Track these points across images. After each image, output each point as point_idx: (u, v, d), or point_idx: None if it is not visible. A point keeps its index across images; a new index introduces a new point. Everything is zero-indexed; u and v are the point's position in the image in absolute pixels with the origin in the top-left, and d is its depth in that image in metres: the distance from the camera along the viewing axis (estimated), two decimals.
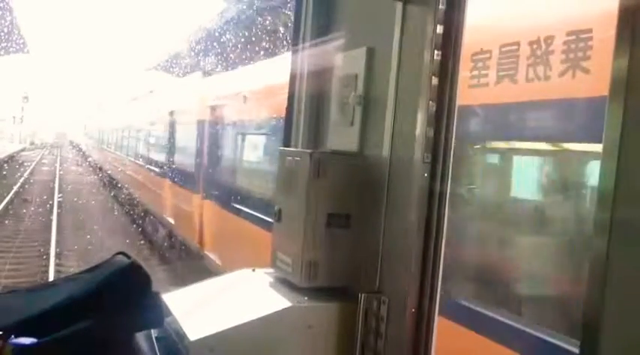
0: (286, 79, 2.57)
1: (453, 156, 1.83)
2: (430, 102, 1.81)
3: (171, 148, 15.20)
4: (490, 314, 3.86)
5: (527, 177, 4.20)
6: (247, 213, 9.03)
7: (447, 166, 1.82)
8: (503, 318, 3.77)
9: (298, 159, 2.10)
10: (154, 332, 1.86)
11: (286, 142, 2.55)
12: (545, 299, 3.85)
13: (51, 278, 11.63)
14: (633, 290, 1.11)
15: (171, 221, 14.03)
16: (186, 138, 13.57)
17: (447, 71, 1.81)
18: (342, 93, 2.20)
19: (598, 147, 1.19)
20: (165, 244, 14.60)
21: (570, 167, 3.90)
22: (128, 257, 1.72)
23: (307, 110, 2.46)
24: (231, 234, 9.99)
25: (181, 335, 1.89)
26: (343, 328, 1.96)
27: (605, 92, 1.13)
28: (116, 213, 21.37)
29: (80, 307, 1.58)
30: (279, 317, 1.92)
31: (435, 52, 1.80)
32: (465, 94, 3.13)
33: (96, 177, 33.51)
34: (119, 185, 24.72)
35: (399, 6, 1.92)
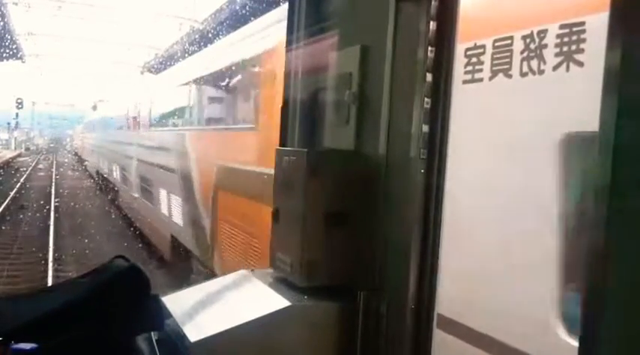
0: None
1: None
2: (425, 98, 1.80)
3: None
4: None
5: None
6: None
7: (444, 162, 1.82)
8: None
9: (294, 158, 2.10)
10: (154, 335, 1.86)
11: (282, 142, 2.55)
12: None
13: (50, 283, 11.60)
14: (634, 284, 1.11)
15: None
16: None
17: (441, 67, 1.81)
18: (337, 91, 2.20)
19: None
20: None
21: None
22: (127, 260, 1.72)
23: (303, 109, 2.46)
24: None
25: (182, 337, 1.89)
26: (343, 326, 1.97)
27: None
28: None
29: (80, 311, 1.58)
30: (279, 317, 1.93)
31: (429, 48, 1.80)
32: None
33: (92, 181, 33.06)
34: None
35: (392, 3, 1.92)
